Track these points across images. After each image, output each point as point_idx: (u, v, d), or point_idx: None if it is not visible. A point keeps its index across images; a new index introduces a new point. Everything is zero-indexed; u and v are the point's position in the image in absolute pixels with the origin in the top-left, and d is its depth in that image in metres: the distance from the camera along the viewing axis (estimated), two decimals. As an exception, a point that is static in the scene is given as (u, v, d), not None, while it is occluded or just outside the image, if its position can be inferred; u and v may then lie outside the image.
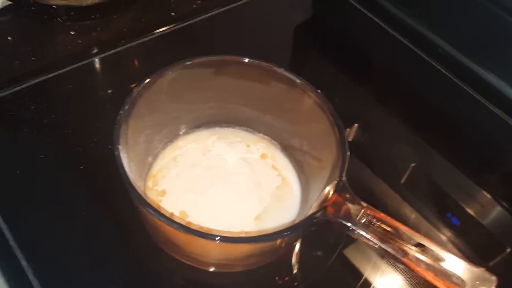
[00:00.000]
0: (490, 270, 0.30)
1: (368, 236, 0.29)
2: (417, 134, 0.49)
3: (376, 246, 0.30)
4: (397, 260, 0.30)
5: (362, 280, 0.38)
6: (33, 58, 0.49)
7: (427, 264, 0.29)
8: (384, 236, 0.30)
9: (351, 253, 0.39)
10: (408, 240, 0.30)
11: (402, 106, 0.51)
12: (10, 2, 0.52)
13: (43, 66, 0.48)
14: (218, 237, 0.29)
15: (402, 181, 0.45)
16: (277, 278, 0.37)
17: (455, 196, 0.44)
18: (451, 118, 0.50)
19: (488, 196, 0.45)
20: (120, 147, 0.31)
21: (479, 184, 0.45)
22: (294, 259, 0.38)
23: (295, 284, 0.37)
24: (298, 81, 0.36)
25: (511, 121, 0.46)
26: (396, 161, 0.47)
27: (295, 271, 0.38)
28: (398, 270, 0.38)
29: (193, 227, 0.32)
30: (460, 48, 0.49)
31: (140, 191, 0.31)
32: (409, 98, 0.51)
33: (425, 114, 0.50)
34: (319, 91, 0.36)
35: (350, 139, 0.47)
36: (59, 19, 0.53)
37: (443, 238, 0.41)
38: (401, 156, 0.47)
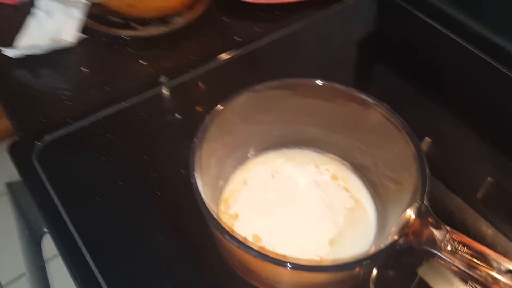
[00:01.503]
0: None
1: (456, 264, 0.28)
2: (491, 146, 0.47)
3: (464, 274, 0.28)
4: (487, 288, 0.28)
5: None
6: (107, 88, 0.51)
7: (521, 293, 0.27)
8: (471, 262, 0.28)
9: (430, 277, 0.37)
10: (498, 266, 0.28)
11: (475, 118, 0.49)
12: (86, 36, 0.56)
13: (117, 96, 0.50)
14: (293, 265, 0.28)
15: (478, 195, 0.43)
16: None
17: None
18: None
19: None
20: (196, 174, 0.32)
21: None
22: (371, 283, 0.37)
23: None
24: (371, 101, 0.36)
25: None
26: (471, 175, 0.45)
27: (372, 295, 0.37)
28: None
29: (267, 253, 0.32)
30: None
31: (215, 216, 0.31)
32: (481, 109, 0.49)
33: (498, 124, 0.48)
34: (393, 111, 0.35)
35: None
36: (129, 49, 0.55)
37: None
38: (476, 170, 0.45)
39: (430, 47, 0.55)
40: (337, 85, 0.36)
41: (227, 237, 0.29)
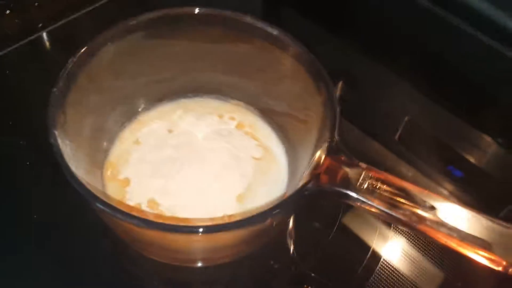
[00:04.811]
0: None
1: (375, 204, 0.24)
2: (407, 84, 0.44)
3: (385, 215, 0.24)
4: (411, 229, 0.25)
5: (369, 252, 0.34)
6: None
7: (448, 229, 0.24)
8: (392, 201, 0.24)
9: (352, 223, 0.35)
10: (422, 203, 0.25)
11: (388, 55, 0.45)
12: None
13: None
14: (180, 229, 0.23)
15: (396, 137, 0.41)
16: (272, 263, 0.33)
17: (454, 146, 0.41)
18: (442, 60, 0.44)
19: (489, 139, 0.41)
20: (56, 132, 0.25)
21: (478, 128, 0.41)
22: (288, 238, 0.33)
23: (294, 266, 0.33)
24: (272, 31, 0.31)
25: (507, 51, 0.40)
26: (388, 116, 0.43)
27: (291, 252, 0.33)
28: (407, 237, 0.34)
29: (163, 220, 0.26)
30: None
31: (96, 182, 0.25)
32: (394, 44, 0.46)
33: (413, 60, 0.44)
34: (298, 42, 0.30)
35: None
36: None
37: (446, 193, 0.38)
38: (393, 110, 0.43)
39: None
40: (229, 13, 0.30)
41: (96, 204, 0.23)
